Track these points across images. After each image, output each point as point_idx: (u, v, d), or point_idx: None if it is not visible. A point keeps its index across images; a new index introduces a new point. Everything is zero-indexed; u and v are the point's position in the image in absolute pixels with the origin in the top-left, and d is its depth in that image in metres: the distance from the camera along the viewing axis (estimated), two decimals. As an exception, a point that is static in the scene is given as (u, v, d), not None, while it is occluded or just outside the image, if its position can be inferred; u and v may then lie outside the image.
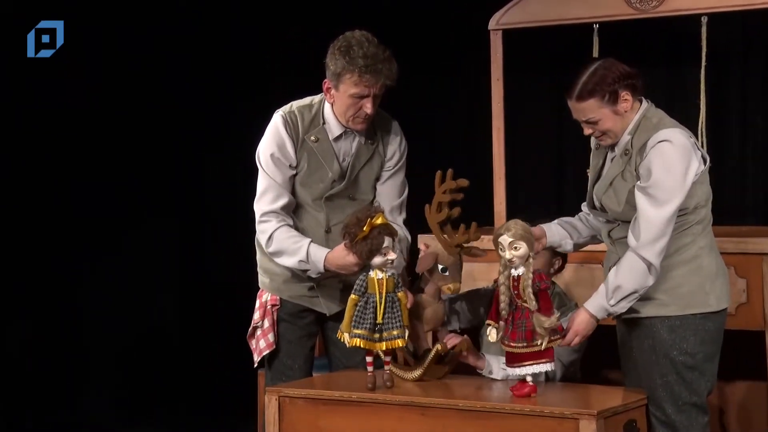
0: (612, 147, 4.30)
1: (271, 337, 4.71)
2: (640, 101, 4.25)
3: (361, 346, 4.27)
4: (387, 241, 4.25)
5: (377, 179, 4.69)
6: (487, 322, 4.22)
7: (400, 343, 4.26)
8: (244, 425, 6.20)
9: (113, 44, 6.64)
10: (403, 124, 4.72)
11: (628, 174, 4.21)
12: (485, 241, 5.01)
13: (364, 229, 4.26)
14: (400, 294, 4.28)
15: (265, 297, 4.74)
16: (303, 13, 6.77)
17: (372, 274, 4.28)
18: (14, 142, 6.40)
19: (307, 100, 4.67)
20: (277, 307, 4.71)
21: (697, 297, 4.18)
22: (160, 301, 6.95)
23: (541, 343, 4.12)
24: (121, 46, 6.68)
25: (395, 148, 4.69)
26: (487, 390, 4.36)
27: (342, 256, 4.41)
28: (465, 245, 4.29)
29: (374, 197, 4.69)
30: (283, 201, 4.60)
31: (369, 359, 4.33)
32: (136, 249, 6.83)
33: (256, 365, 4.83)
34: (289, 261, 4.56)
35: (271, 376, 4.76)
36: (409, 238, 4.72)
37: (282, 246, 4.57)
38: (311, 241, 4.53)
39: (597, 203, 4.33)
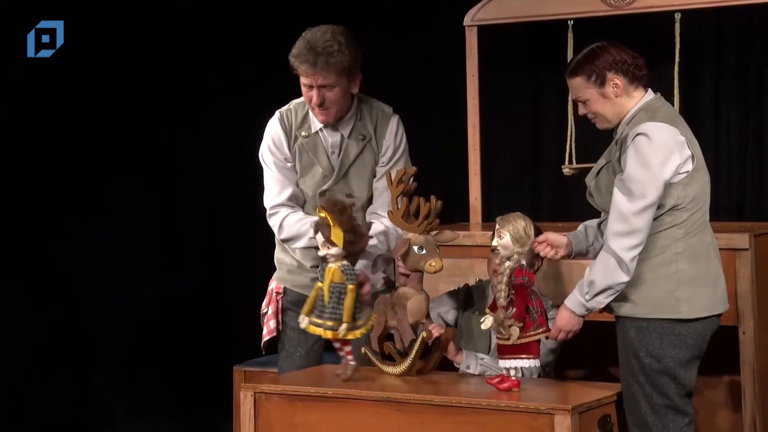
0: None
1: (272, 324, 4.80)
2: (646, 90, 4.21)
3: (310, 331, 4.28)
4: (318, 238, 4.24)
5: (374, 176, 4.69)
6: (487, 310, 4.24)
7: (329, 334, 4.24)
8: (221, 421, 6.19)
9: (113, 44, 6.62)
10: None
11: (615, 164, 4.15)
12: (461, 237, 5.03)
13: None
14: (349, 286, 4.21)
15: (272, 285, 4.84)
16: (281, 9, 6.77)
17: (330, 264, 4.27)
18: (14, 142, 6.37)
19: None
20: (281, 295, 4.80)
21: (665, 302, 4.09)
22: (138, 298, 6.92)
23: (509, 338, 4.13)
24: (120, 46, 6.65)
25: (389, 142, 4.68)
26: (464, 385, 4.37)
27: None
28: (428, 225, 4.30)
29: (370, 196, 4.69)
30: (288, 192, 4.63)
31: (337, 345, 4.32)
32: (115, 245, 6.81)
33: (263, 351, 4.93)
34: (303, 242, 4.61)
35: (278, 363, 4.85)
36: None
37: (292, 231, 4.61)
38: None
39: (588, 190, 4.29)
